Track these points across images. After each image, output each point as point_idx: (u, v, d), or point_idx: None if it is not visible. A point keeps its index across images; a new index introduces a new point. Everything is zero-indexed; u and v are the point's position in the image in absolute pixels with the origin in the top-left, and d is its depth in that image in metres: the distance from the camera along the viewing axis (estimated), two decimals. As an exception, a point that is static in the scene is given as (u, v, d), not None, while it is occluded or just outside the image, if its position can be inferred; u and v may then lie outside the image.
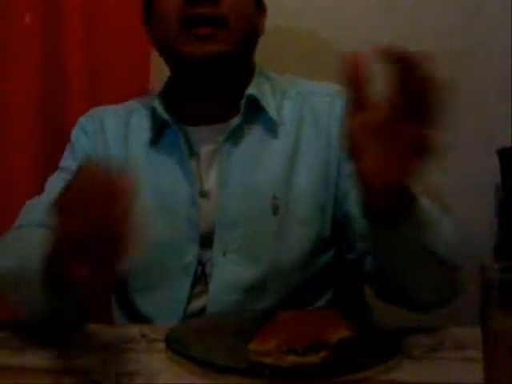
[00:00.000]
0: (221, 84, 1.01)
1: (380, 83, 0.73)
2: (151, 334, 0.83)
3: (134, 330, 0.86)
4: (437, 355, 0.77)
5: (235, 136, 1.01)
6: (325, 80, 1.11)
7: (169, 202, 1.00)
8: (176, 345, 0.75)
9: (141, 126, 1.06)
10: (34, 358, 0.76)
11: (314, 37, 1.46)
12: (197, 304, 0.98)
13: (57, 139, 1.39)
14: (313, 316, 0.77)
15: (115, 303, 1.08)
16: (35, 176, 1.33)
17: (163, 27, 0.99)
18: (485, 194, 1.45)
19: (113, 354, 0.77)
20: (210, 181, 1.00)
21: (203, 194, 1.00)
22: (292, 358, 0.68)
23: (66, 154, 1.10)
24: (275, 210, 0.97)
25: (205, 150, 1.02)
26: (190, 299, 0.98)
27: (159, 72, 1.51)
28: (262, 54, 1.09)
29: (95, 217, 0.63)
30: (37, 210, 0.96)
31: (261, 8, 1.07)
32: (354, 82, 0.69)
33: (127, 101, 1.14)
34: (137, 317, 1.02)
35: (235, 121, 1.00)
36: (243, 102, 1.00)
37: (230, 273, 0.97)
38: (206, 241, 0.98)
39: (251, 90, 1.01)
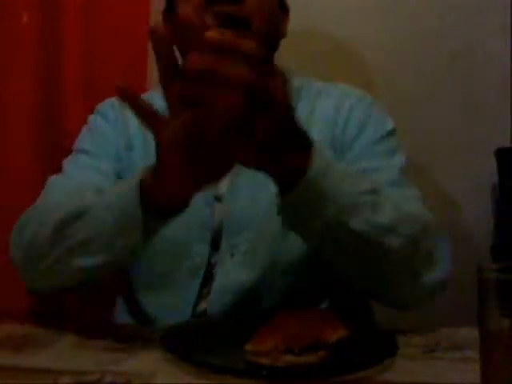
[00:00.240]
0: None
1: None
2: (148, 334, 0.83)
3: (132, 329, 0.86)
4: (433, 355, 0.77)
5: None
6: (335, 79, 1.12)
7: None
8: (173, 345, 0.75)
9: None
10: (32, 358, 0.76)
11: (318, 36, 1.46)
12: (203, 305, 0.98)
13: (55, 139, 1.39)
14: (310, 316, 0.77)
15: (121, 302, 1.07)
16: (35, 176, 1.33)
17: (183, 26, 0.97)
18: (482, 193, 1.45)
19: (110, 354, 0.77)
20: (224, 183, 1.00)
21: (217, 196, 1.00)
22: (289, 358, 0.68)
23: (84, 138, 1.07)
24: (279, 210, 0.97)
25: None
26: (197, 300, 0.98)
27: (156, 73, 1.52)
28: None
29: None
30: (63, 191, 0.95)
31: (284, 9, 1.05)
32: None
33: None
34: (141, 316, 1.01)
35: None
36: None
37: (234, 274, 0.96)
38: (215, 242, 0.99)
39: None
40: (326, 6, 1.45)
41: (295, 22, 1.08)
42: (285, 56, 1.08)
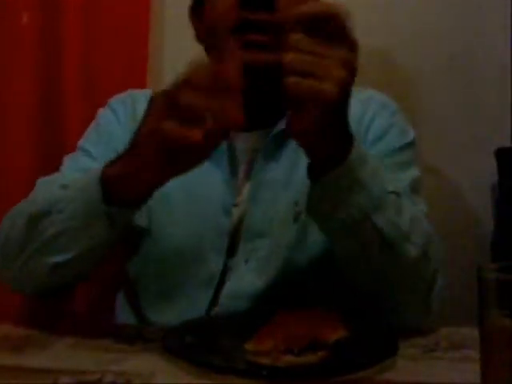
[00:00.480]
0: (265, 93, 0.95)
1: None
2: (148, 334, 0.83)
3: (132, 330, 0.86)
4: (433, 355, 0.77)
5: (275, 144, 0.98)
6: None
7: (200, 209, 0.98)
8: (173, 345, 0.75)
9: None
10: (33, 358, 0.76)
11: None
12: (215, 310, 0.96)
13: (55, 139, 1.39)
14: (310, 316, 0.77)
15: (125, 308, 1.06)
16: (35, 176, 1.33)
17: (211, 27, 0.96)
18: (482, 193, 1.45)
19: (110, 354, 0.77)
20: (245, 191, 0.98)
21: (236, 204, 0.98)
22: (289, 358, 0.68)
23: (90, 136, 1.06)
24: (296, 218, 0.95)
25: (244, 159, 0.99)
26: (209, 306, 0.96)
27: (156, 73, 1.52)
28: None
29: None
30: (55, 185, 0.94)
31: None
32: None
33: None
34: (144, 321, 1.00)
35: (277, 127, 0.98)
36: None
37: (247, 280, 0.95)
38: (230, 249, 0.97)
39: None
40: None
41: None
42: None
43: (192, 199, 0.98)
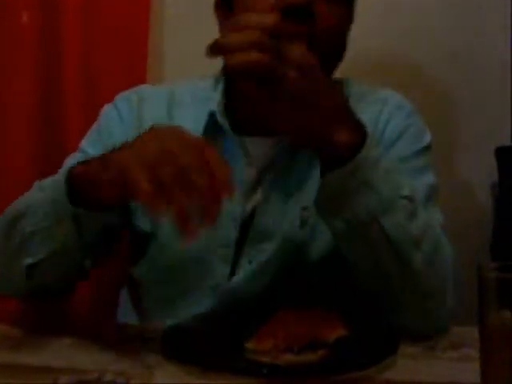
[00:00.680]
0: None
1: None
2: (147, 332, 0.83)
3: (131, 329, 0.86)
4: (433, 354, 0.77)
5: (289, 150, 0.95)
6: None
7: None
8: (173, 344, 0.75)
9: (184, 123, 0.97)
10: (32, 357, 0.76)
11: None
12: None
13: (55, 139, 1.39)
14: (310, 315, 0.77)
15: (127, 307, 1.05)
16: (35, 176, 1.33)
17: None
18: (482, 192, 1.45)
19: (110, 354, 0.77)
20: (255, 196, 0.96)
21: (245, 213, 0.95)
22: (289, 357, 0.68)
23: (90, 136, 1.03)
24: (303, 222, 0.94)
25: (258, 165, 0.96)
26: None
27: (156, 73, 1.52)
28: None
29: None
30: (37, 187, 0.92)
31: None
32: None
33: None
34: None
35: None
36: None
37: (246, 281, 0.94)
38: (236, 252, 0.95)
39: None
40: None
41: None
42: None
43: None
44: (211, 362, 0.69)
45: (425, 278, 0.81)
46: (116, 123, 1.01)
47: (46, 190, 0.83)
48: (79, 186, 0.78)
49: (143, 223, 0.96)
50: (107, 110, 1.03)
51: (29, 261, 0.82)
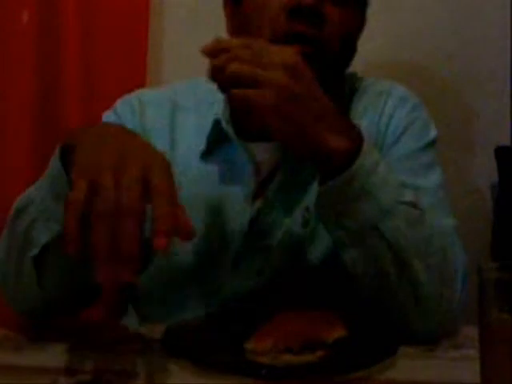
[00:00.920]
0: None
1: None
2: (148, 333, 0.83)
3: (131, 329, 0.86)
4: (434, 354, 0.77)
5: (291, 155, 0.92)
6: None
7: (215, 227, 0.93)
8: (172, 344, 0.75)
9: (187, 128, 0.98)
10: (32, 358, 0.76)
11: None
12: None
13: (54, 138, 1.39)
14: (309, 315, 0.77)
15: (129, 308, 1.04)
16: (35, 176, 1.33)
17: (252, 31, 0.90)
18: (482, 192, 1.45)
19: (110, 354, 0.76)
20: (259, 203, 0.94)
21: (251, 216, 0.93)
22: (288, 358, 0.68)
23: None
24: (305, 223, 0.93)
25: (264, 170, 0.95)
26: None
27: (156, 72, 1.52)
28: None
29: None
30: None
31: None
32: None
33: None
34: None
35: None
36: None
37: (245, 281, 0.93)
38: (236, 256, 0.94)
39: None
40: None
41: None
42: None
43: (207, 213, 0.93)
44: (210, 362, 0.69)
45: (428, 286, 0.79)
46: None
47: (43, 177, 0.80)
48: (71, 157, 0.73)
49: (147, 229, 0.96)
50: (107, 116, 1.00)
51: (34, 252, 0.77)
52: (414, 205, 0.79)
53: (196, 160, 0.95)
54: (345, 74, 1.00)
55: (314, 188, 0.90)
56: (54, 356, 0.76)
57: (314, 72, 0.77)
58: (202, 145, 0.96)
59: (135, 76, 1.41)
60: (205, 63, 0.94)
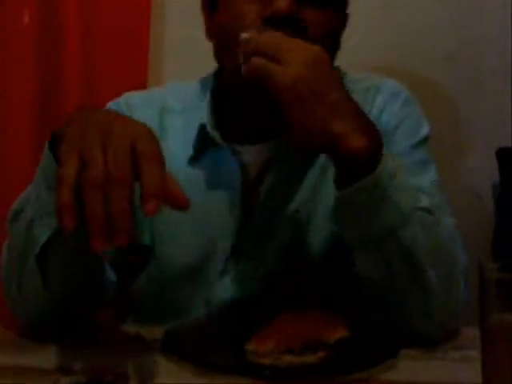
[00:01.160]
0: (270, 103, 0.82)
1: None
2: (148, 334, 0.83)
3: (131, 330, 0.86)
4: (434, 355, 0.76)
5: (285, 156, 0.92)
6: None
7: (206, 230, 0.93)
8: (173, 345, 0.75)
9: (175, 131, 0.97)
10: (33, 358, 0.76)
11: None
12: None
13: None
14: (311, 316, 0.77)
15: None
16: (33, 176, 1.33)
17: (228, 38, 0.87)
18: (483, 193, 1.45)
19: (110, 355, 0.76)
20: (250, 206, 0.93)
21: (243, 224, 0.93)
22: (290, 358, 0.68)
23: None
24: (295, 225, 0.92)
25: (254, 171, 0.94)
26: None
27: (157, 72, 1.52)
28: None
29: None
30: None
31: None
32: None
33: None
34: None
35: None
36: None
37: (237, 283, 0.93)
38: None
39: None
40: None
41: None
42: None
43: (197, 217, 0.92)
44: (212, 363, 0.69)
45: (437, 289, 0.78)
46: None
47: (37, 173, 0.80)
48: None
49: (142, 236, 0.95)
50: None
51: (36, 250, 0.77)
52: (428, 210, 0.79)
53: (184, 164, 0.95)
54: None
55: (303, 189, 0.92)
56: (54, 356, 0.76)
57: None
58: (189, 148, 0.95)
59: (136, 76, 1.41)
60: (205, 63, 0.94)
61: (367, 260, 0.79)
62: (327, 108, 0.72)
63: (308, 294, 0.92)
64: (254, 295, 0.92)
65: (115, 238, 0.61)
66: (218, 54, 0.92)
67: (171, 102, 1.01)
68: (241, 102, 0.93)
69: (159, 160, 0.64)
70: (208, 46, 0.93)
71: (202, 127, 0.94)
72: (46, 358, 0.75)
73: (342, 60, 0.93)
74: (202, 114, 0.95)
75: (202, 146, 0.94)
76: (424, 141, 0.94)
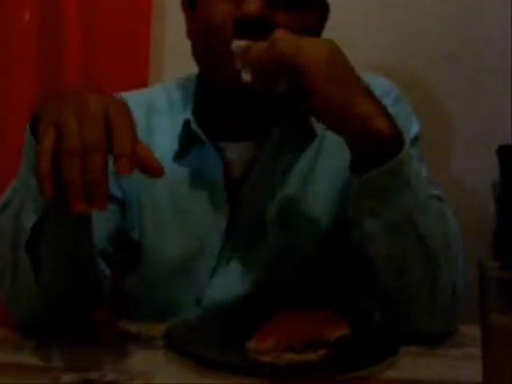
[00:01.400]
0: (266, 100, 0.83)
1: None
2: (149, 332, 0.83)
3: (132, 328, 0.86)
4: (435, 353, 0.77)
5: (270, 154, 0.94)
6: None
7: (192, 226, 0.94)
8: (174, 343, 0.75)
9: (161, 130, 0.98)
10: (33, 357, 0.75)
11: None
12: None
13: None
14: (311, 314, 0.77)
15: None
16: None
17: (206, 39, 0.90)
18: (483, 191, 1.45)
19: (111, 353, 0.76)
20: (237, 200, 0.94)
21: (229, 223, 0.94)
22: (290, 356, 0.68)
23: None
24: (282, 224, 0.93)
25: (238, 170, 0.95)
26: None
27: (158, 72, 1.52)
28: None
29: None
30: None
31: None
32: None
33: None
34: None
35: (272, 137, 0.93)
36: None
37: (227, 283, 0.93)
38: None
39: None
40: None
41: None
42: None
43: (184, 214, 0.95)
44: (212, 362, 0.69)
45: (445, 282, 0.79)
46: None
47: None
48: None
49: (132, 232, 0.96)
50: None
51: (25, 237, 0.76)
52: (439, 198, 0.80)
53: (170, 162, 0.95)
54: None
55: (289, 187, 0.93)
56: (55, 354, 0.76)
57: None
58: (175, 146, 0.96)
59: (137, 76, 1.41)
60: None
61: (383, 248, 0.78)
62: (354, 90, 0.74)
63: (302, 292, 0.92)
64: (246, 294, 0.93)
65: (93, 203, 0.64)
66: (196, 54, 0.94)
67: (158, 101, 1.02)
68: (224, 100, 0.94)
69: (130, 126, 0.67)
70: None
71: (187, 123, 0.94)
72: (47, 355, 0.75)
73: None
74: (187, 112, 0.96)
75: (187, 142, 0.95)
76: (416, 139, 0.95)
